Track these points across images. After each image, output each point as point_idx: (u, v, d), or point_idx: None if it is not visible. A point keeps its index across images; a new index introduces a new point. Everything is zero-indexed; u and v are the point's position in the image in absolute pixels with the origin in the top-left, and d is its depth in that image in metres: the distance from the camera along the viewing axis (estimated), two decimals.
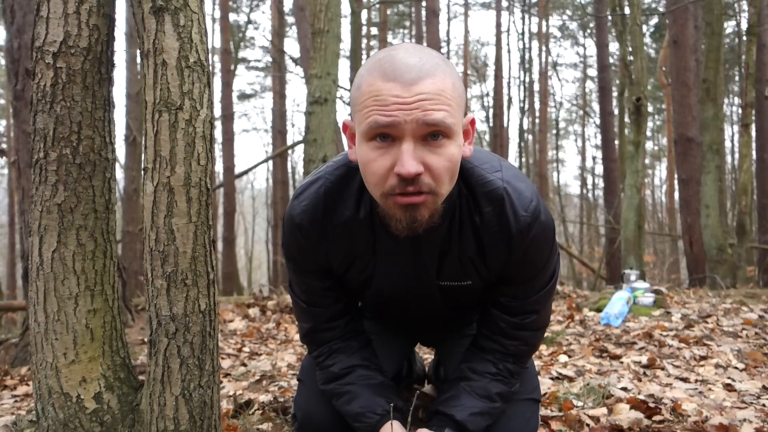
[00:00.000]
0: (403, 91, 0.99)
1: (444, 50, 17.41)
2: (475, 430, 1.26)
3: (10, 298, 9.02)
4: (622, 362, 2.47)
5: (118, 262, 1.46)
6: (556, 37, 21.23)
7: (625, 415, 1.72)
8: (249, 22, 16.74)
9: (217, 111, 11.77)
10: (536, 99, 19.06)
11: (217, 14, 12.81)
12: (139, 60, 2.83)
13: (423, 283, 1.29)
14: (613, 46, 13.79)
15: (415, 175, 1.00)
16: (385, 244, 1.22)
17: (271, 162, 15.48)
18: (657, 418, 1.73)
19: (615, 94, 12.92)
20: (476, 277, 1.26)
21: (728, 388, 2.08)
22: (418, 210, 1.04)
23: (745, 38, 8.85)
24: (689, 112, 7.78)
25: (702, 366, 2.37)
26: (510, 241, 1.18)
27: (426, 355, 2.47)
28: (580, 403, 1.87)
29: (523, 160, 17.54)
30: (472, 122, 1.13)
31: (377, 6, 15.18)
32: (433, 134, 1.01)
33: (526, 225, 1.16)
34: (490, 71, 19.27)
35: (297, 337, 3.29)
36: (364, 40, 15.85)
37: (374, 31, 17.46)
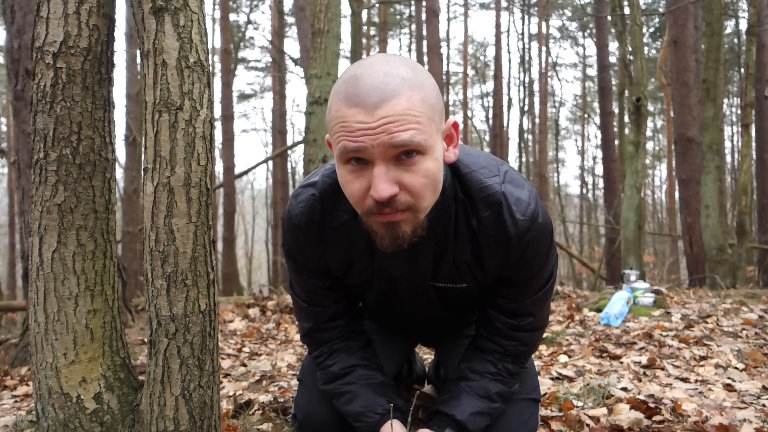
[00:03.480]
0: (366, 116, 0.97)
1: (444, 50, 17.40)
2: (475, 430, 1.27)
3: (10, 298, 9.02)
4: (622, 362, 2.47)
5: (118, 262, 1.46)
6: (555, 38, 21.25)
7: (625, 415, 1.72)
8: (249, 22, 16.74)
9: (217, 111, 11.78)
10: (536, 99, 19.07)
11: (217, 14, 12.81)
12: (139, 60, 2.83)
13: (419, 285, 1.29)
14: (613, 46, 13.80)
15: (388, 198, 0.99)
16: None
17: (271, 162, 15.49)
18: (657, 418, 1.73)
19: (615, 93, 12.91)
20: (472, 280, 1.26)
21: (728, 388, 2.08)
22: (399, 227, 1.04)
23: (745, 38, 8.85)
24: (689, 112, 7.78)
25: (702, 366, 2.37)
26: (508, 245, 1.18)
27: (426, 355, 2.47)
28: (580, 403, 1.87)
29: (523, 160, 17.54)
30: (455, 125, 1.11)
31: (377, 6, 15.18)
32: (405, 153, 0.99)
33: (524, 229, 1.16)
34: (490, 71, 19.28)
35: (297, 337, 3.29)
36: (364, 40, 15.84)
37: (374, 31, 17.46)
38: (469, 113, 19.85)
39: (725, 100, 15.75)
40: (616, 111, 12.01)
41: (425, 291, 1.30)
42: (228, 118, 11.91)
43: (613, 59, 14.23)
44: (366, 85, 0.99)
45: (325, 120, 1.10)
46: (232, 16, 15.78)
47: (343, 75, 1.05)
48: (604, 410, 1.78)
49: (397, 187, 1.00)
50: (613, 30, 9.69)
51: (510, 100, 18.98)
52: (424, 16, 12.52)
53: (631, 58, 6.10)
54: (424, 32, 12.32)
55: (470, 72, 20.40)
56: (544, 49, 19.17)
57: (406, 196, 1.02)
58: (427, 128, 1.01)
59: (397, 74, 1.00)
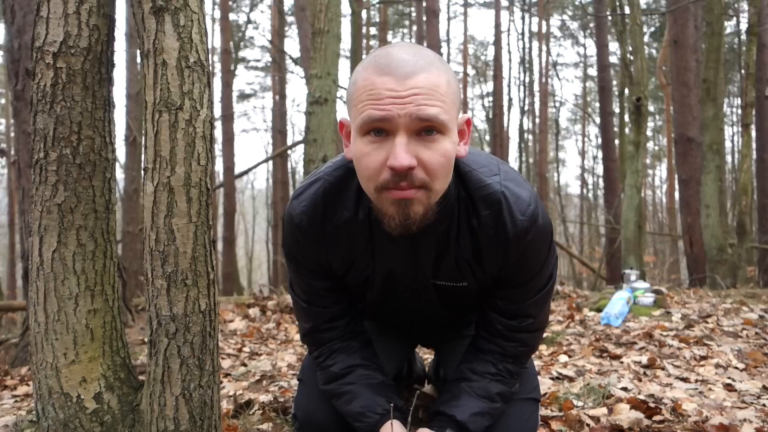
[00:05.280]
0: (397, 84, 0.99)
1: (444, 50, 17.41)
2: (476, 430, 1.26)
3: (10, 298, 9.02)
4: (622, 362, 2.47)
5: (118, 262, 1.46)
6: (556, 37, 21.24)
7: (626, 415, 1.72)
8: (249, 21, 16.74)
9: (217, 111, 11.78)
10: (536, 99, 19.07)
11: (217, 14, 12.82)
12: (139, 60, 2.83)
13: (420, 283, 1.29)
14: (613, 46, 13.80)
15: (407, 168, 1.00)
16: (384, 245, 1.22)
17: (271, 162, 15.48)
18: (657, 418, 1.73)
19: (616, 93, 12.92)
20: (472, 279, 1.26)
21: (728, 388, 2.08)
22: (411, 206, 1.04)
23: (745, 38, 8.85)
24: (689, 112, 7.78)
25: (702, 366, 2.37)
26: (507, 245, 1.18)
27: (426, 355, 2.47)
28: (580, 403, 1.87)
29: (523, 160, 17.54)
30: (468, 122, 1.13)
31: (377, 6, 15.18)
32: (426, 129, 1.01)
33: (524, 229, 1.16)
34: (490, 71, 19.28)
35: (297, 337, 3.29)
36: (364, 40, 15.84)
37: (374, 31, 17.46)
38: (469, 113, 19.82)
39: (725, 100, 15.75)
40: (617, 111, 12.01)
41: (426, 289, 1.30)
42: (228, 118, 11.91)
43: (613, 59, 14.23)
44: (398, 57, 1.01)
45: (347, 94, 1.10)
46: (232, 16, 15.79)
47: (371, 54, 1.08)
48: (604, 410, 1.78)
49: (415, 161, 1.01)
50: (613, 30, 9.69)
51: (510, 100, 18.98)
52: (424, 16, 12.51)
53: (631, 57, 6.10)
54: (424, 32, 12.31)
55: (470, 72, 20.39)
56: (544, 48, 19.18)
57: (422, 172, 1.02)
58: (451, 110, 1.03)
59: (427, 54, 1.04)
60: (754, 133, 9.44)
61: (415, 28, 15.62)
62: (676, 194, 10.62)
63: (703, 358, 2.49)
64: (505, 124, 17.55)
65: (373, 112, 1.00)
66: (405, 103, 0.99)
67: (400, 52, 1.03)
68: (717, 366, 2.36)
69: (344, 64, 13.67)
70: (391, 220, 1.06)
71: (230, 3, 14.15)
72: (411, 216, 1.04)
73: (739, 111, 12.25)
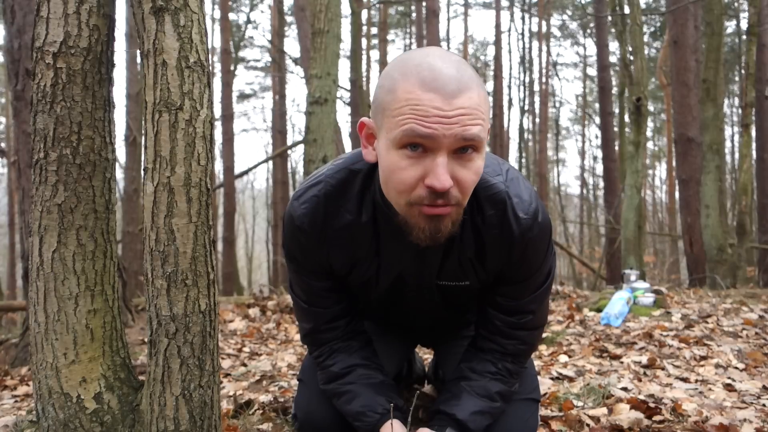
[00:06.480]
0: (444, 104, 0.97)
1: None
2: (476, 429, 1.27)
3: (10, 298, 9.02)
4: (622, 362, 2.47)
5: (119, 262, 1.46)
6: (556, 37, 21.24)
7: (625, 415, 1.72)
8: (249, 21, 16.74)
9: (217, 111, 11.78)
10: (536, 99, 19.07)
11: (217, 14, 12.82)
12: (139, 60, 2.83)
13: (424, 283, 1.29)
14: (613, 46, 13.80)
15: (448, 189, 1.00)
16: (390, 247, 1.23)
17: (271, 162, 15.48)
18: (657, 418, 1.73)
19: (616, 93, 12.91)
20: (474, 278, 1.27)
21: (728, 388, 2.08)
22: (443, 221, 1.04)
23: (745, 38, 8.85)
24: (689, 112, 7.78)
25: (702, 366, 2.37)
26: (511, 244, 1.19)
27: (426, 355, 2.47)
28: (580, 403, 1.87)
29: (523, 160, 17.54)
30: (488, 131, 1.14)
31: (377, 6, 15.18)
32: (463, 148, 1.01)
33: (527, 227, 1.17)
34: (490, 71, 19.28)
35: (297, 337, 3.29)
36: (364, 40, 15.84)
37: (374, 31, 17.46)
38: None
39: (725, 100, 15.76)
40: (617, 111, 12.01)
41: (429, 289, 1.31)
42: (228, 118, 11.91)
43: (613, 59, 14.22)
44: (443, 72, 0.99)
45: (377, 98, 1.06)
46: (232, 16, 15.79)
47: (407, 61, 1.03)
48: (604, 410, 1.78)
49: (452, 180, 1.01)
50: (613, 30, 9.69)
51: (510, 100, 18.99)
52: (424, 16, 12.51)
53: (631, 58, 6.10)
54: (424, 32, 12.31)
55: None
56: (544, 48, 19.18)
57: (456, 191, 1.03)
58: (486, 126, 1.03)
59: (468, 69, 1.02)
60: (754, 133, 9.44)
61: (415, 28, 15.61)
62: (676, 194, 10.62)
63: (703, 358, 2.49)
64: (505, 124, 17.56)
65: (419, 128, 0.98)
66: (451, 124, 0.97)
67: (444, 65, 1.00)
68: (717, 366, 2.36)
69: (344, 64, 13.67)
70: (420, 233, 1.06)
71: (230, 3, 14.15)
72: (441, 230, 1.05)
73: (739, 111, 12.26)
